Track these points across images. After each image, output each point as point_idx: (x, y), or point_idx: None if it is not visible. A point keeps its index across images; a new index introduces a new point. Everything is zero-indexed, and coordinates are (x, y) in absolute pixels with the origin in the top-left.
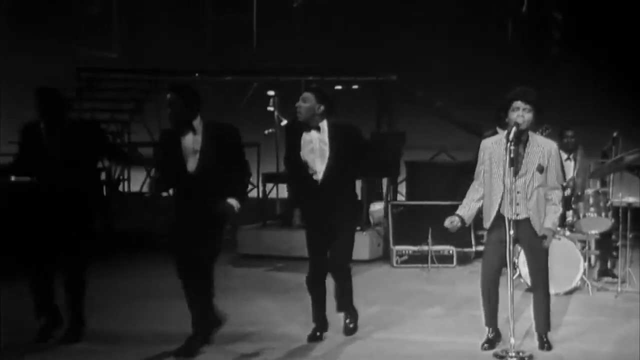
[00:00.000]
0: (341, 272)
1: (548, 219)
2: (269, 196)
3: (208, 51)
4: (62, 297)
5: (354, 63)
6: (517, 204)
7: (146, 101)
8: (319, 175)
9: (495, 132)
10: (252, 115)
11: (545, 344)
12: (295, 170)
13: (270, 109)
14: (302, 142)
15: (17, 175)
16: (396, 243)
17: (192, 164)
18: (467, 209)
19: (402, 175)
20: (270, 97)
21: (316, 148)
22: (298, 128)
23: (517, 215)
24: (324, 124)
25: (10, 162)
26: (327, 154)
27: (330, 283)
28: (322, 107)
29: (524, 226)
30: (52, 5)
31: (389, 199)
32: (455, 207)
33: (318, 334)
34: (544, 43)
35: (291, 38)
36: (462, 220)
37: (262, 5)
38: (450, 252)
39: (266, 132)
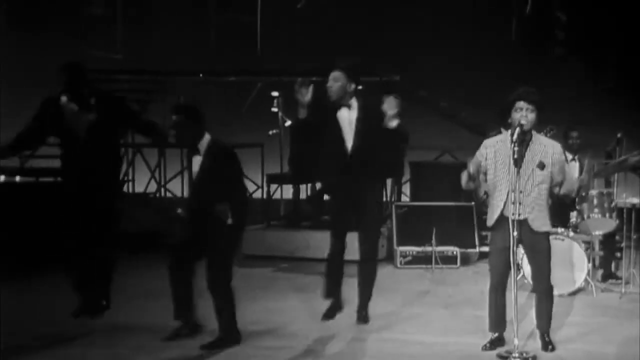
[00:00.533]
0: (371, 252)
1: (565, 186)
2: (273, 197)
3: (212, 52)
4: None
5: (357, 63)
6: (520, 204)
7: (150, 102)
8: (347, 149)
9: (500, 133)
10: (256, 116)
11: (548, 345)
12: (329, 146)
13: (274, 109)
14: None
15: (18, 149)
16: (400, 244)
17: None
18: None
19: (406, 175)
20: (274, 97)
21: (345, 125)
22: (328, 107)
23: (519, 215)
24: (353, 102)
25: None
26: (353, 131)
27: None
28: (352, 86)
29: (525, 226)
30: (55, 5)
31: (392, 200)
32: (459, 207)
33: (331, 312)
34: (547, 43)
35: (295, 38)
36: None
37: (266, 5)
38: (454, 252)
39: (270, 132)
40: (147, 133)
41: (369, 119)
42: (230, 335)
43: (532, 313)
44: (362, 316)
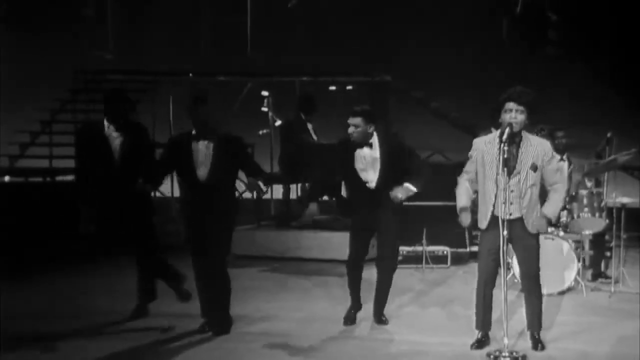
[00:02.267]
0: (392, 257)
1: (549, 205)
2: (263, 197)
3: (202, 51)
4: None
5: (348, 63)
6: (511, 203)
7: (142, 101)
8: (372, 184)
9: (490, 132)
10: (246, 116)
11: (538, 344)
12: (349, 180)
13: (265, 109)
14: (355, 156)
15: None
16: None
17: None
18: (466, 197)
19: None
20: (264, 97)
21: (369, 162)
22: (350, 146)
23: (510, 214)
24: (375, 140)
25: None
26: (378, 166)
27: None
28: (372, 127)
29: (516, 226)
30: (48, 6)
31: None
32: (450, 207)
33: (352, 311)
34: (538, 43)
35: (285, 38)
36: (470, 209)
37: (256, 5)
38: (445, 252)
39: (260, 132)
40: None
41: (391, 153)
42: (226, 323)
43: (522, 312)
44: (381, 319)
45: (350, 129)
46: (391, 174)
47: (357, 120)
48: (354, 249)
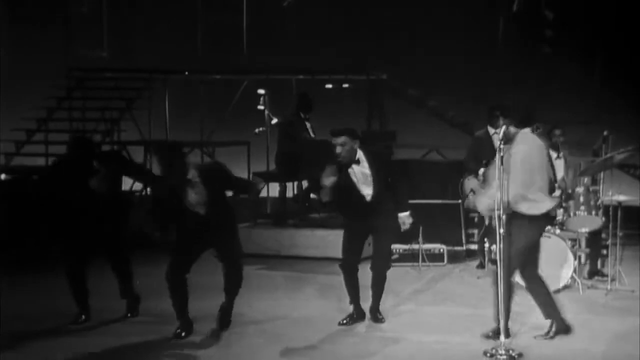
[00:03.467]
0: (387, 257)
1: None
2: (260, 195)
3: (198, 50)
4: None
5: (344, 62)
6: None
7: (137, 100)
8: (368, 198)
9: (487, 131)
10: (243, 114)
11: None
12: (345, 194)
13: (261, 107)
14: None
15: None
16: None
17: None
18: None
19: None
20: (260, 95)
21: (360, 177)
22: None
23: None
24: (361, 155)
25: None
26: (369, 179)
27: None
28: (357, 142)
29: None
30: (43, 4)
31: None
32: (446, 205)
33: (351, 319)
34: (534, 42)
35: (281, 37)
36: None
37: (252, 3)
38: (441, 250)
39: (256, 130)
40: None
41: (378, 165)
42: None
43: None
44: (377, 317)
45: (338, 149)
46: (383, 184)
47: (343, 139)
48: (349, 252)
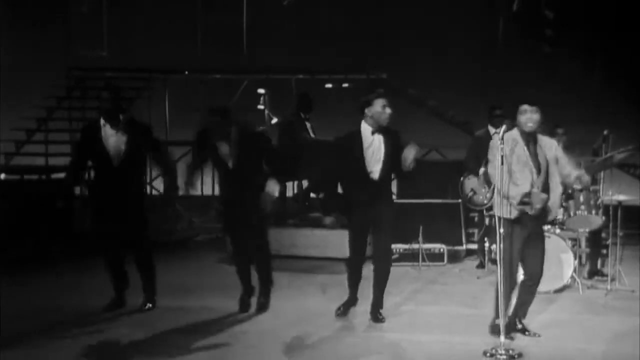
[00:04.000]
0: (387, 254)
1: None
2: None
3: (198, 49)
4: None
5: (344, 61)
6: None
7: (136, 99)
8: (375, 175)
9: (487, 131)
10: (243, 114)
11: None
12: (354, 171)
13: (261, 107)
14: (364, 143)
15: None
16: None
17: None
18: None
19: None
20: (260, 95)
21: (376, 150)
22: (358, 136)
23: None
24: (385, 129)
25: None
26: (382, 156)
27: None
28: (389, 110)
29: (534, 221)
30: (42, 3)
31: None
32: (446, 205)
33: (347, 306)
34: (535, 41)
35: (281, 36)
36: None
37: (252, 3)
38: (441, 250)
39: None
40: (161, 165)
41: (394, 142)
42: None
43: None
44: (377, 317)
45: (385, 109)
46: (392, 166)
47: (387, 101)
48: (356, 248)
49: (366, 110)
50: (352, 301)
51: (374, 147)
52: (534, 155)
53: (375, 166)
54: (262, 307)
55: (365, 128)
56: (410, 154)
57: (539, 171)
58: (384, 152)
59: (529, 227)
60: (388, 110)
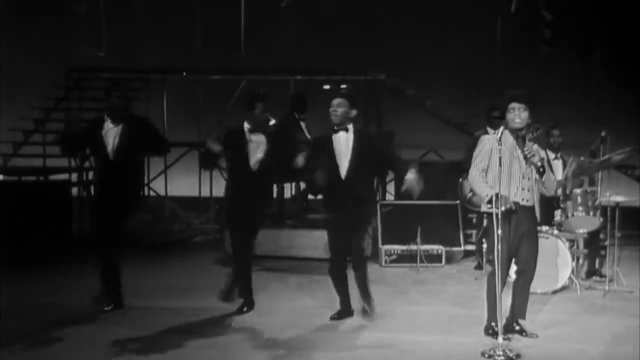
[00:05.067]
0: (361, 258)
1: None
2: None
3: (196, 50)
4: None
5: (342, 62)
6: (528, 190)
7: (134, 100)
8: (342, 172)
9: (486, 132)
10: (240, 115)
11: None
12: (324, 166)
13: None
14: (333, 142)
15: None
16: (385, 242)
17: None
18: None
19: (391, 174)
20: None
21: (342, 148)
22: (327, 135)
23: (527, 201)
24: (351, 127)
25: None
26: (349, 155)
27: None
28: (354, 112)
29: (528, 213)
30: (40, 4)
31: (377, 199)
32: (444, 206)
33: (339, 315)
34: (533, 42)
35: (279, 37)
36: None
37: (250, 3)
38: (439, 251)
39: None
40: (161, 150)
41: (364, 144)
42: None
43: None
44: (364, 310)
45: (333, 108)
46: (361, 165)
47: (341, 100)
48: (334, 251)
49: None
50: (345, 312)
51: (341, 146)
52: (522, 149)
53: (344, 163)
54: None
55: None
56: (412, 185)
57: (528, 164)
58: (351, 152)
59: (519, 224)
60: (338, 110)
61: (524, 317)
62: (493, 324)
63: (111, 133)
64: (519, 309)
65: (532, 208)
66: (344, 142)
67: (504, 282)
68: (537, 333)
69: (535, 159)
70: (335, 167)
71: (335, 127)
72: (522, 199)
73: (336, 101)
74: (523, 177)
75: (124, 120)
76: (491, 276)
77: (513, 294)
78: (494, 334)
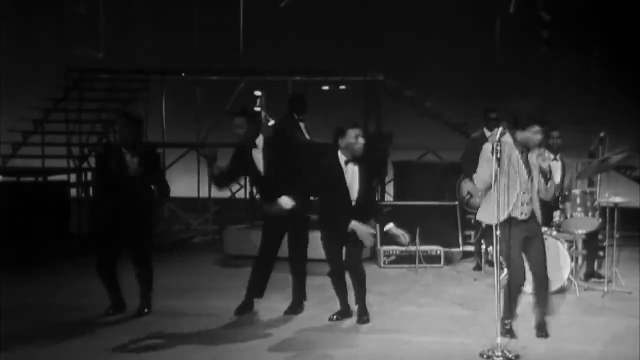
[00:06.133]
0: (356, 269)
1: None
2: (257, 196)
3: (195, 51)
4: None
5: (341, 63)
6: (523, 204)
7: (133, 101)
8: (353, 197)
9: (483, 133)
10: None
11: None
12: (338, 193)
13: (257, 109)
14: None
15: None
16: (383, 243)
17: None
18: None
19: (390, 175)
20: (257, 97)
21: (354, 178)
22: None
23: (526, 214)
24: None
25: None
26: (356, 185)
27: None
28: (362, 140)
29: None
30: (38, 5)
31: (376, 199)
32: (443, 207)
33: (334, 316)
34: (532, 42)
35: (278, 38)
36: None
37: (249, 4)
38: (438, 252)
39: None
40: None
41: (367, 172)
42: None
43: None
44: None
45: (355, 140)
46: (368, 190)
47: (360, 131)
48: (332, 253)
49: (339, 141)
50: (344, 312)
51: (349, 177)
52: (526, 162)
53: (354, 192)
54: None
55: (340, 157)
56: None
57: (529, 178)
58: (358, 182)
59: (523, 230)
60: (361, 141)
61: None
62: (506, 322)
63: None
64: (539, 324)
65: (531, 217)
66: (355, 172)
67: (518, 284)
68: (537, 333)
69: (545, 164)
70: (347, 195)
71: (348, 159)
72: (521, 213)
73: (357, 133)
74: (524, 193)
75: (136, 151)
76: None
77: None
78: (507, 333)
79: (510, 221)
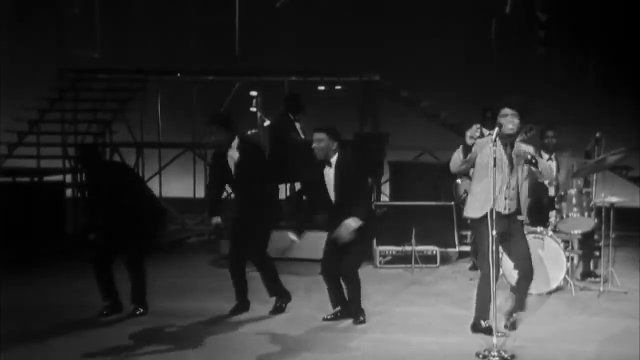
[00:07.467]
0: (352, 279)
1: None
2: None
3: (191, 51)
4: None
5: (337, 63)
6: (511, 200)
7: (129, 101)
8: (332, 198)
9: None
10: (235, 116)
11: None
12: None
13: (253, 109)
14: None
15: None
16: (379, 243)
17: None
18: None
19: (386, 175)
20: (253, 97)
21: (330, 181)
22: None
23: (509, 209)
24: (334, 159)
25: None
26: (332, 187)
27: None
28: (335, 144)
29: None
30: (33, 5)
31: (372, 200)
32: (439, 207)
33: (329, 317)
34: (528, 43)
35: (274, 38)
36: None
37: (244, 4)
38: (434, 252)
39: (249, 132)
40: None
41: (345, 175)
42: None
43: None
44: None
45: (314, 143)
46: (346, 192)
47: (321, 135)
48: (324, 257)
49: None
50: (342, 314)
51: (327, 178)
52: (509, 158)
53: (331, 193)
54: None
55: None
56: (343, 233)
57: (511, 172)
58: (333, 185)
59: (500, 227)
60: (321, 144)
61: (523, 310)
62: (483, 322)
63: None
64: (518, 303)
65: (514, 213)
66: (331, 176)
67: (495, 280)
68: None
69: (527, 157)
70: (328, 197)
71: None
72: (505, 208)
73: (315, 136)
74: (507, 187)
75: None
76: (481, 277)
77: (515, 294)
78: (484, 331)
79: (490, 215)
